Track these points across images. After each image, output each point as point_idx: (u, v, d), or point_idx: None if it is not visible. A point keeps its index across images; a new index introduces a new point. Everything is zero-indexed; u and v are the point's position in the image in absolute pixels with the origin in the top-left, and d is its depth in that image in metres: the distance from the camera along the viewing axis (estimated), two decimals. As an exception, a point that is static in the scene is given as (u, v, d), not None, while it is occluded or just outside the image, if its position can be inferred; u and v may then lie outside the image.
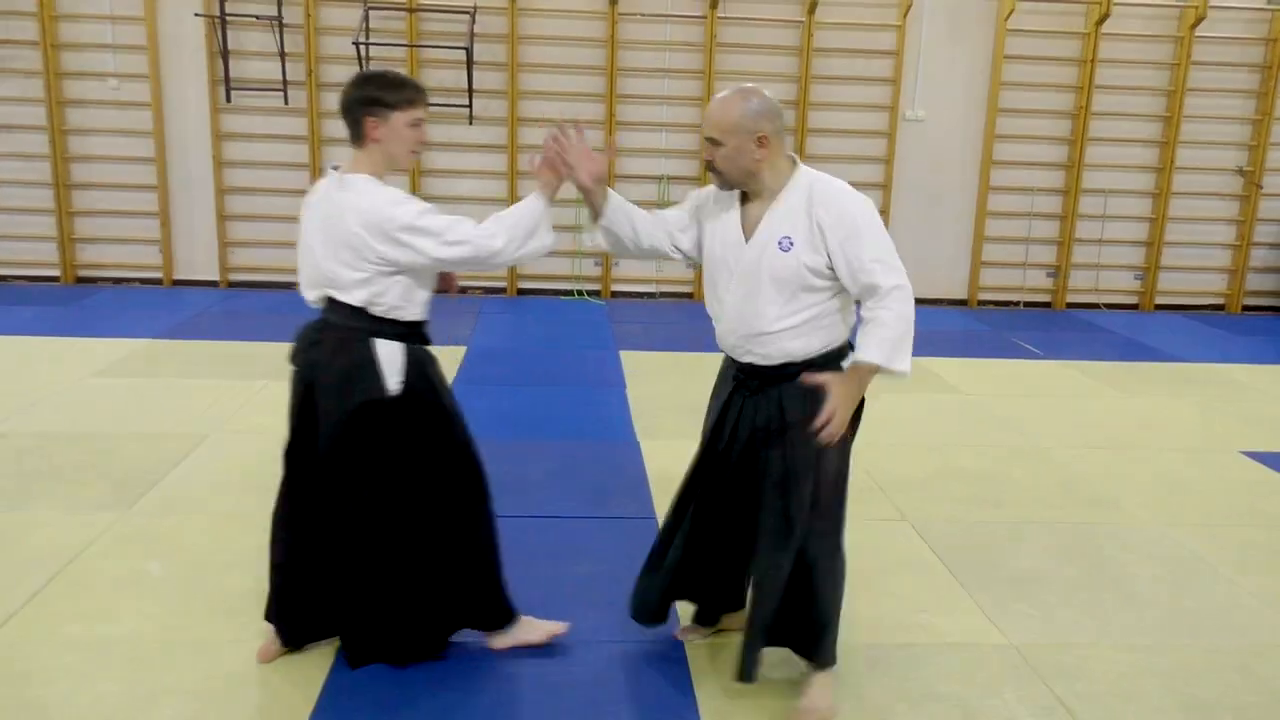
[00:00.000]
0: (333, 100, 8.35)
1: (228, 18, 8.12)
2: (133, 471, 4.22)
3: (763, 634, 2.64)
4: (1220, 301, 9.41)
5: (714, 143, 2.56)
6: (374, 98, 2.60)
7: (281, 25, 8.13)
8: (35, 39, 8.14)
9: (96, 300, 8.04)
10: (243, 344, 6.56)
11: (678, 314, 8.33)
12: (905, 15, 8.54)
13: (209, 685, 2.70)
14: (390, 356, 2.62)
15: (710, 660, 2.91)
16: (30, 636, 2.91)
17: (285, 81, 8.26)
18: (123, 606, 3.10)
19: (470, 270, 2.67)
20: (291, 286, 9.08)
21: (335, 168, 2.68)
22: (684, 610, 3.19)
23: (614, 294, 9.00)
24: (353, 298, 2.59)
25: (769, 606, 2.62)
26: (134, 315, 7.46)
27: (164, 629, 2.98)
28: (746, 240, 2.59)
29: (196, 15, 8.19)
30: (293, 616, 2.83)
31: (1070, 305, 9.25)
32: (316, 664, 2.82)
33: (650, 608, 2.90)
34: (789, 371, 2.59)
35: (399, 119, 2.61)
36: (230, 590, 3.23)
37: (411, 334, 2.68)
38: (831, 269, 2.49)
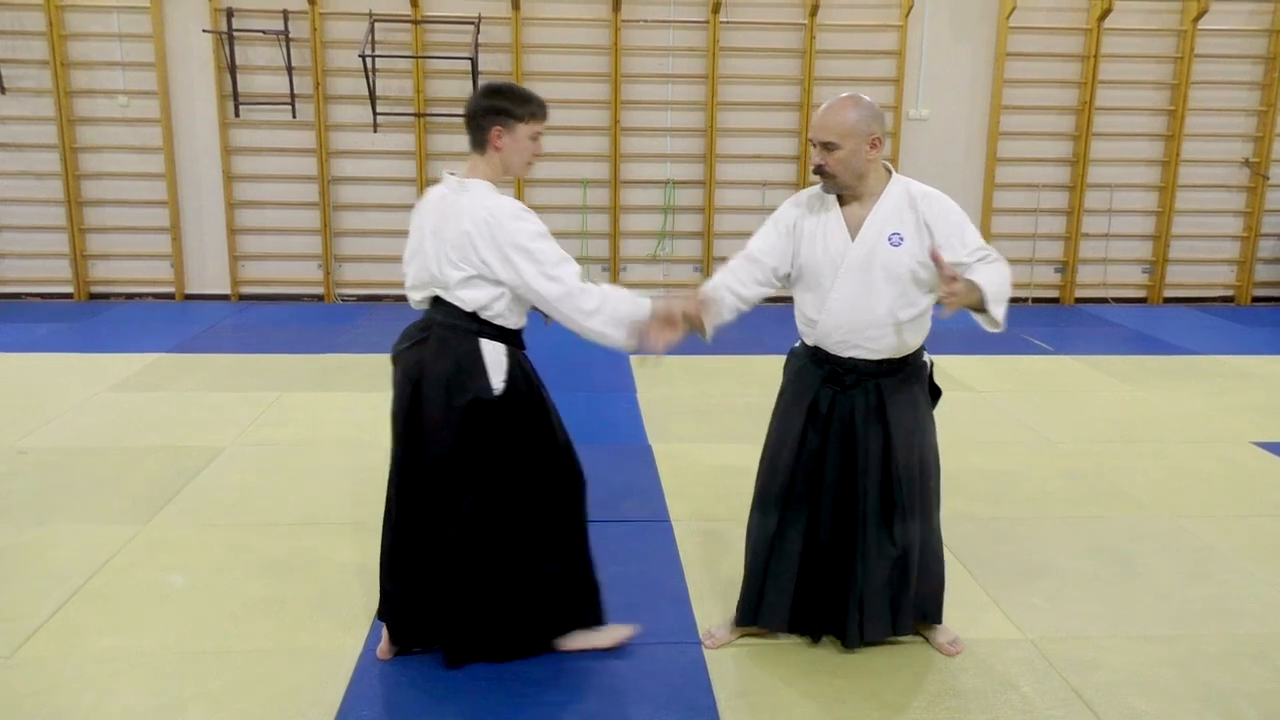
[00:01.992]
0: (340, 113, 8.52)
1: (235, 33, 8.19)
2: (151, 485, 4.27)
3: (882, 603, 2.83)
4: (1229, 293, 9.39)
5: (830, 147, 2.67)
6: (502, 108, 2.66)
7: (288, 40, 8.20)
8: (45, 58, 8.22)
9: (110, 316, 8.10)
10: (255, 356, 6.60)
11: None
12: (907, 15, 8.56)
13: (232, 694, 2.73)
14: (495, 356, 2.69)
15: (729, 663, 2.93)
16: (56, 650, 2.95)
17: (293, 95, 8.33)
18: (146, 618, 3.14)
19: (548, 313, 2.69)
20: (300, 299, 9.19)
21: (451, 174, 2.74)
22: (702, 612, 3.21)
23: (622, 299, 9.01)
24: (459, 299, 2.65)
25: (885, 581, 2.82)
26: (147, 330, 7.51)
27: (187, 639, 3.02)
28: (852, 239, 2.72)
29: (205, 31, 8.26)
30: (399, 618, 2.88)
31: (1079, 300, 9.24)
32: (339, 673, 2.85)
33: (783, 612, 2.93)
34: (885, 367, 2.79)
35: (523, 130, 2.69)
36: (251, 600, 3.26)
37: (513, 337, 2.75)
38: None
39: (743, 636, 3.03)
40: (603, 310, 2.66)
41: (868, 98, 2.74)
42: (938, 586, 2.98)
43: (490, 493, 2.73)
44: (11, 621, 3.09)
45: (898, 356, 2.80)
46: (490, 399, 2.67)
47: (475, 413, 2.66)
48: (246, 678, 2.81)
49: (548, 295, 2.62)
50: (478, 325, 2.68)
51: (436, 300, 2.72)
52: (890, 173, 2.78)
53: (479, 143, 2.69)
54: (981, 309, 2.62)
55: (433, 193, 2.76)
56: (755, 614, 2.96)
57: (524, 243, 2.59)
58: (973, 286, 2.56)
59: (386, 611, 2.91)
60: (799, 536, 2.88)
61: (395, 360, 2.81)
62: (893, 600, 2.86)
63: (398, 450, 2.79)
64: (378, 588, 3.03)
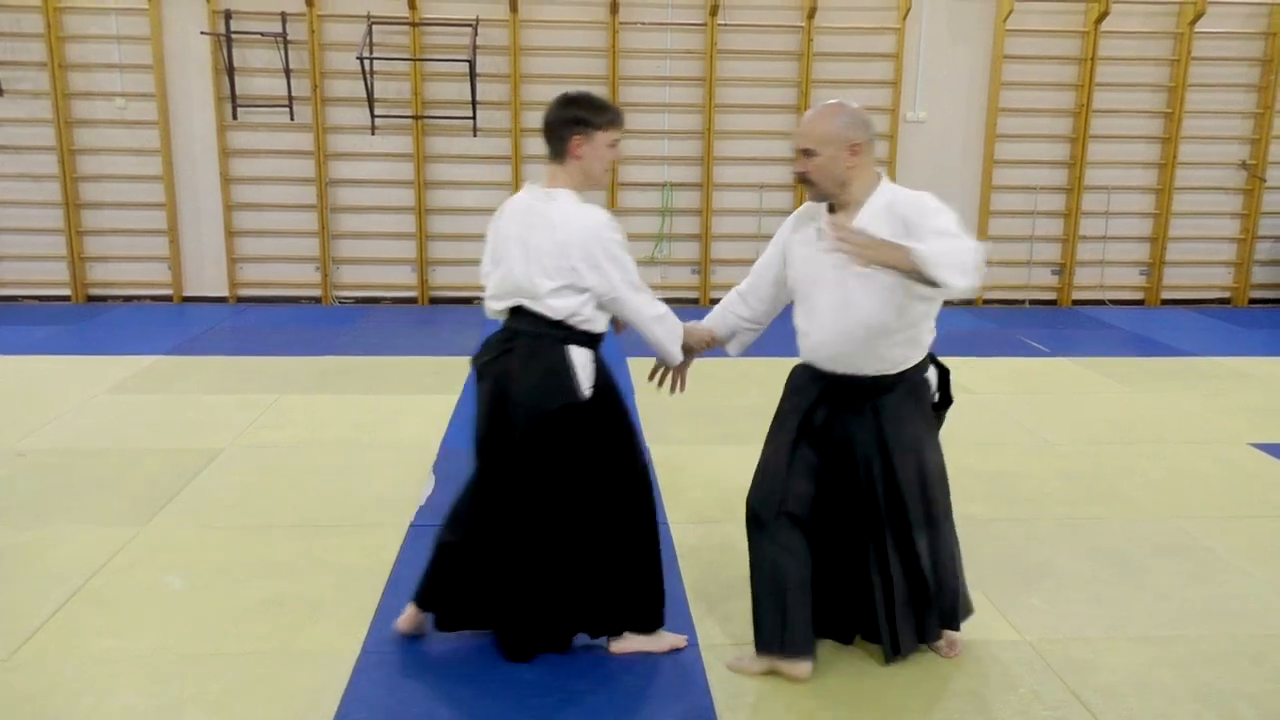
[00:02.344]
0: (337, 115, 8.52)
1: (233, 35, 8.20)
2: (150, 486, 4.26)
3: (907, 617, 2.81)
4: (1226, 295, 9.41)
5: (808, 154, 2.65)
6: (581, 118, 2.71)
7: (286, 42, 8.21)
8: (43, 60, 8.23)
9: (108, 318, 8.10)
10: (253, 359, 6.60)
11: (683, 320, 8.35)
12: (904, 18, 8.57)
13: (231, 696, 2.73)
14: (583, 362, 2.75)
15: (730, 672, 2.92)
16: (54, 651, 2.95)
17: (291, 97, 8.33)
18: (144, 620, 3.14)
19: (626, 318, 2.84)
20: (298, 301, 9.18)
21: (533, 184, 2.81)
22: (700, 613, 3.21)
23: (620, 301, 9.02)
24: (547, 308, 2.70)
25: (906, 596, 2.79)
26: (145, 332, 7.52)
27: (185, 641, 3.02)
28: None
29: (202, 34, 8.26)
30: (451, 601, 2.93)
31: (1076, 302, 9.26)
32: (337, 675, 2.85)
33: (808, 642, 2.82)
34: (881, 384, 2.71)
35: (602, 138, 2.73)
36: (249, 601, 3.26)
37: (597, 342, 2.81)
38: None
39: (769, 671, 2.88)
40: (665, 321, 2.86)
41: (855, 104, 2.71)
42: (952, 595, 2.91)
43: (578, 493, 2.78)
44: (10, 623, 3.09)
45: (893, 372, 2.73)
46: (581, 403, 2.73)
47: (566, 417, 2.72)
48: (245, 679, 2.81)
49: (631, 301, 2.76)
50: (564, 332, 2.73)
51: (519, 310, 2.76)
52: (881, 179, 2.71)
53: (559, 153, 2.75)
54: (910, 271, 2.41)
55: (515, 203, 2.81)
56: (781, 645, 2.80)
57: (616, 252, 2.70)
58: (888, 245, 2.39)
59: (433, 597, 2.95)
60: (809, 558, 2.78)
61: (481, 372, 2.85)
62: (916, 614, 2.84)
63: (482, 456, 2.83)
64: (378, 591, 3.11)
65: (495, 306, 2.83)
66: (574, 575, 2.83)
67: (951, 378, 2.90)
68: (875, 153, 2.74)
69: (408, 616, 3.00)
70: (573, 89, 2.87)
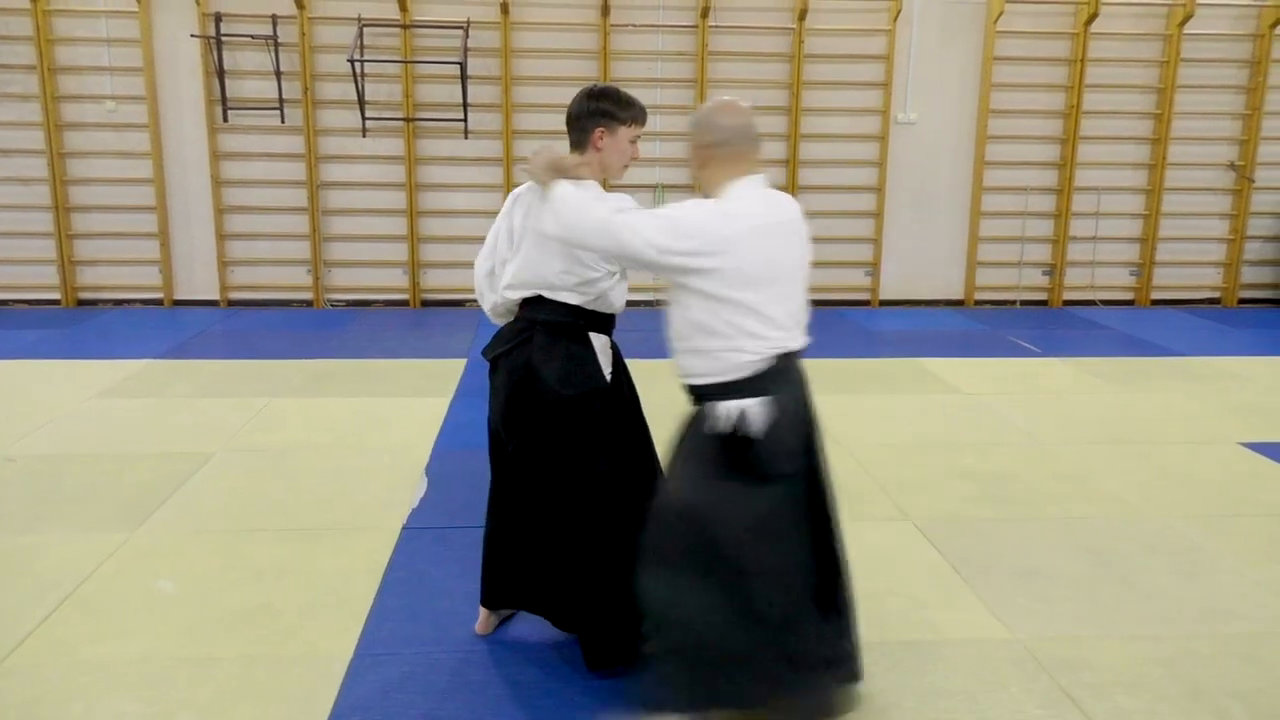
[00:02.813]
0: (328, 118, 8.51)
1: (223, 38, 8.18)
2: (140, 491, 4.25)
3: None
4: (1216, 295, 9.45)
5: None
6: (606, 111, 2.74)
7: (277, 44, 8.19)
8: (32, 63, 8.20)
9: (98, 322, 8.07)
10: (244, 362, 6.59)
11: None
12: (895, 20, 8.59)
13: (222, 702, 2.73)
14: (603, 348, 2.80)
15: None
16: (45, 659, 2.94)
17: (281, 100, 8.32)
18: (135, 626, 3.13)
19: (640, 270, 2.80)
20: (289, 304, 9.11)
21: None
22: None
23: (613, 303, 9.02)
24: (572, 296, 2.73)
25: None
26: (136, 336, 7.50)
27: (176, 647, 3.01)
28: None
29: (192, 36, 8.25)
30: (500, 585, 3.01)
31: (1067, 303, 9.28)
32: (329, 680, 2.84)
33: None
34: (691, 393, 2.57)
35: (624, 133, 2.76)
36: (241, 606, 3.25)
37: (610, 326, 2.85)
38: (707, 278, 2.39)
39: None
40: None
41: (744, 105, 2.55)
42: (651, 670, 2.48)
43: (613, 474, 2.79)
44: (0, 630, 3.07)
45: (686, 381, 2.55)
46: (605, 387, 2.77)
47: (588, 401, 2.74)
48: (236, 685, 2.80)
49: (673, 265, 2.73)
50: (585, 319, 2.76)
51: (536, 299, 2.77)
52: (734, 182, 2.48)
53: (580, 144, 2.77)
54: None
55: (530, 193, 2.80)
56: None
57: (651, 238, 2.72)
58: (550, 171, 2.48)
59: (496, 599, 3.03)
60: None
61: (495, 363, 2.85)
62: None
63: (510, 451, 2.83)
64: (371, 594, 3.14)
65: (512, 296, 2.83)
66: (616, 559, 2.77)
67: (780, 430, 2.44)
68: (740, 157, 2.50)
69: (481, 620, 3.08)
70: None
